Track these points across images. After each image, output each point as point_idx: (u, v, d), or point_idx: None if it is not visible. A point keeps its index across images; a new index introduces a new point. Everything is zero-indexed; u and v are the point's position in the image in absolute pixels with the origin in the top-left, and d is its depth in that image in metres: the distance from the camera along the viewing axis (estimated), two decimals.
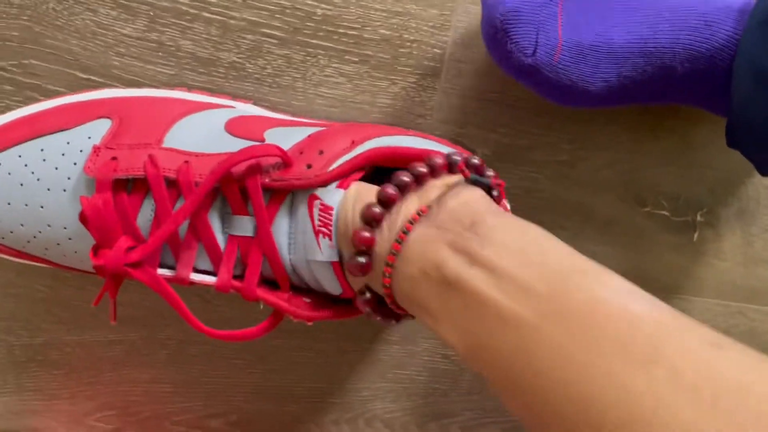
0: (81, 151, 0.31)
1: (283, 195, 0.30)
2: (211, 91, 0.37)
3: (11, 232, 0.32)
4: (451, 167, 0.30)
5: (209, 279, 0.31)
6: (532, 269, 0.24)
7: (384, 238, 0.28)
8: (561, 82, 0.36)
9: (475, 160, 0.31)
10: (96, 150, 0.31)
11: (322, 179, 0.29)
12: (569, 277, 0.24)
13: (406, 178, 0.28)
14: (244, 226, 0.30)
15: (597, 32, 0.36)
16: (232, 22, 0.37)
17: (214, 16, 0.36)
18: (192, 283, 0.31)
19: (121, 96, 0.34)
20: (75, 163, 0.31)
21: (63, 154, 0.31)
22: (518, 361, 0.23)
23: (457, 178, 0.29)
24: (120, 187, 0.30)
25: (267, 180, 0.30)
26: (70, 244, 0.32)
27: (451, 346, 0.26)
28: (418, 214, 0.27)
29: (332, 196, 0.29)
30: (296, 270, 0.31)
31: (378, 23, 0.38)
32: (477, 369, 0.25)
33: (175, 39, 0.36)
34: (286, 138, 0.32)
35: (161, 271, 0.31)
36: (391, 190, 0.28)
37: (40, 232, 0.32)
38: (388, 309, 0.30)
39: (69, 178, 0.31)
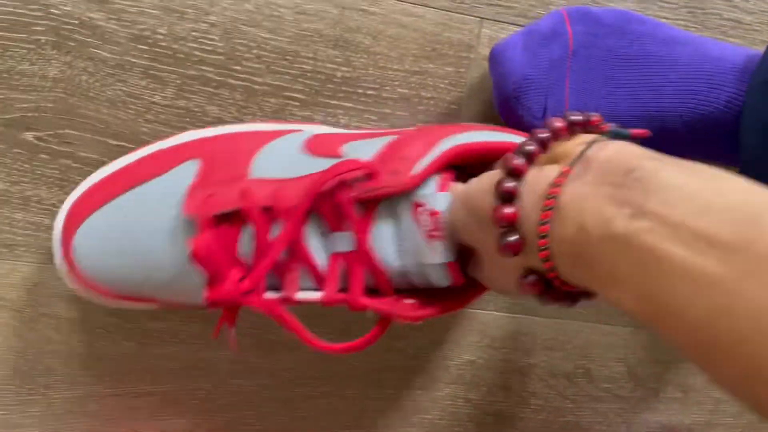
0: (177, 193, 0.33)
1: (375, 205, 0.31)
2: (280, 118, 0.39)
3: (125, 280, 0.34)
4: (571, 129, 0.27)
5: (315, 296, 0.32)
6: (713, 216, 0.20)
7: (526, 211, 0.25)
8: None
9: (594, 116, 0.28)
10: (192, 191, 0.33)
11: (411, 182, 0.30)
12: (761, 221, 0.20)
13: (530, 146, 0.26)
14: (344, 242, 0.31)
15: (602, 96, 0.37)
16: (256, 87, 0.38)
17: (239, 83, 0.38)
18: (299, 303, 0.32)
19: (201, 137, 0.35)
20: (172, 206, 0.33)
21: (161, 200, 0.33)
22: (718, 326, 0.20)
23: (592, 136, 0.26)
24: (219, 222, 0.32)
25: (356, 193, 0.31)
26: (180, 283, 0.33)
27: (629, 313, 0.23)
28: (562, 176, 0.24)
29: (437, 200, 0.30)
30: (406, 275, 0.32)
31: (396, 83, 0.39)
32: (664, 337, 0.22)
33: (202, 105, 0.38)
34: (362, 150, 0.33)
35: (269, 295, 0.32)
36: (517, 160, 0.26)
37: (151, 275, 0.33)
38: (557, 290, 0.27)
39: (168, 221, 0.33)
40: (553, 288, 0.26)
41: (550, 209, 0.24)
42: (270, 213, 0.32)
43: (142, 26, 0.36)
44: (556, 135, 0.27)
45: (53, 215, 0.38)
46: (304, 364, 0.43)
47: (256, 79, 0.38)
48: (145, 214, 0.33)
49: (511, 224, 0.25)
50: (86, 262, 0.33)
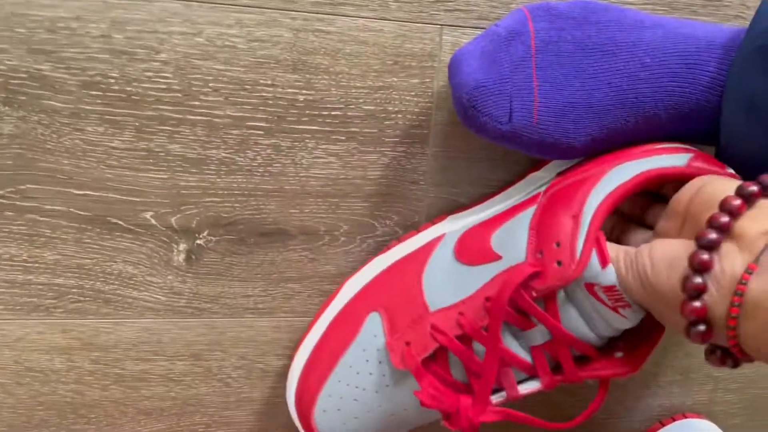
0: (377, 350, 0.36)
1: (554, 295, 0.33)
2: (398, 237, 0.41)
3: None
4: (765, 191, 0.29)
5: (535, 385, 0.34)
6: None
7: (714, 302, 0.27)
8: (544, 141, 0.36)
9: None
10: (390, 347, 0.36)
11: (577, 272, 0.31)
12: None
13: (712, 235, 0.28)
14: (539, 336, 0.34)
15: (576, 87, 0.36)
16: (217, 120, 0.37)
17: (199, 118, 0.37)
18: (523, 397, 0.35)
19: (366, 283, 0.39)
20: (380, 362, 0.36)
21: (367, 361, 0.36)
22: None
23: None
24: (427, 362, 0.35)
25: (534, 294, 0.33)
26: (418, 416, 0.37)
27: None
28: (748, 273, 0.26)
29: (606, 276, 0.31)
30: (601, 338, 0.34)
31: (361, 100, 0.38)
32: None
33: (164, 144, 0.37)
34: (510, 238, 0.35)
35: (497, 399, 0.35)
36: (703, 255, 0.27)
37: (392, 422, 0.37)
38: (734, 358, 0.30)
39: (384, 375, 0.36)
40: (731, 355, 0.30)
41: (738, 306, 0.26)
42: (464, 338, 0.34)
43: (92, 72, 0.35)
44: (748, 201, 0.28)
45: (26, 271, 0.37)
46: None
47: (216, 112, 0.37)
48: (362, 379, 0.37)
49: (700, 317, 0.28)
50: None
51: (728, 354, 0.30)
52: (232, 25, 0.36)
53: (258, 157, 0.38)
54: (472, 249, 0.36)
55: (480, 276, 0.35)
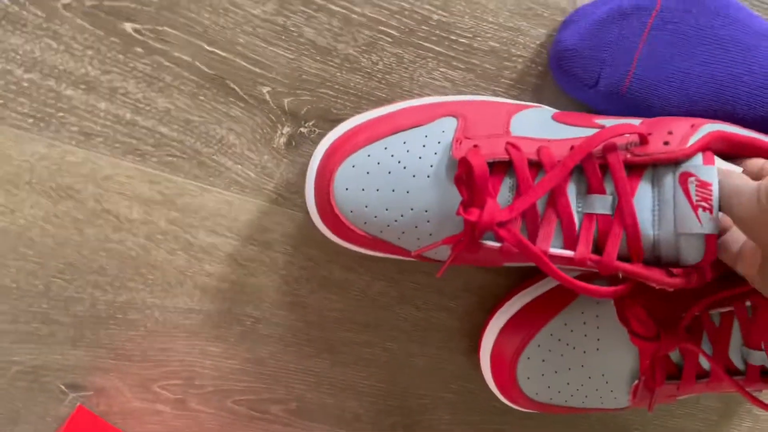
0: (439, 142, 0.35)
1: (641, 171, 0.32)
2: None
3: (375, 217, 0.35)
4: None
5: (568, 252, 0.33)
6: None
7: None
8: (628, 110, 0.38)
9: None
10: (458, 140, 0.34)
11: (686, 153, 0.31)
12: None
13: None
14: (603, 204, 0.33)
15: (678, 68, 0.38)
16: (353, 16, 0.39)
17: (338, 9, 0.38)
18: (550, 256, 0.33)
19: (454, 100, 0.38)
20: (435, 153, 0.35)
21: (424, 146, 0.35)
22: None
23: None
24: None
25: (629, 156, 0.32)
26: (428, 227, 0.35)
27: None
28: None
29: (707, 172, 0.31)
30: (658, 244, 0.32)
31: (489, 35, 0.40)
32: None
33: (299, 25, 0.38)
34: (617, 121, 0.35)
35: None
36: None
37: (402, 215, 0.35)
38: None
39: (431, 166, 0.35)
40: None
41: None
42: (535, 167, 0.33)
43: None
44: None
45: (135, 111, 0.38)
46: (353, 308, 0.42)
47: (354, 8, 0.38)
48: (410, 156, 0.35)
49: None
50: (345, 193, 0.35)
51: None
52: None
53: (380, 63, 0.39)
54: (573, 115, 0.36)
55: (575, 132, 0.35)
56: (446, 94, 0.40)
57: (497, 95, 0.41)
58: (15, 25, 0.36)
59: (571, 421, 0.46)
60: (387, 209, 0.35)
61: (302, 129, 0.40)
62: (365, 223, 0.35)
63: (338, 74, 0.39)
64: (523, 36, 0.40)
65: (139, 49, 0.37)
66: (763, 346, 0.37)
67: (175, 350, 0.41)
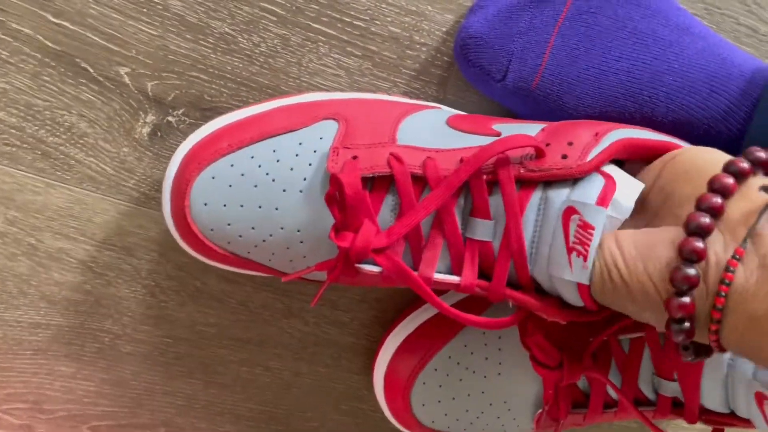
0: (314, 151, 0.31)
1: (533, 188, 0.29)
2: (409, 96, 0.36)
3: (240, 237, 0.30)
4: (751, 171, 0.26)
5: (453, 278, 0.29)
6: None
7: (700, 296, 0.24)
8: (538, 108, 0.35)
9: None
10: (335, 150, 0.30)
11: (582, 170, 0.28)
12: None
13: (704, 219, 0.24)
14: (484, 230, 0.29)
15: (592, 64, 0.34)
16: None
17: None
18: (435, 283, 0.29)
19: (337, 99, 0.33)
20: (310, 164, 0.30)
21: (297, 155, 0.30)
22: None
23: (764, 199, 0.25)
24: (362, 186, 0.29)
25: (522, 171, 0.28)
26: (300, 248, 0.31)
27: None
28: (735, 259, 0.24)
29: (594, 214, 0.27)
30: (534, 277, 0.29)
31: (389, 19, 0.35)
32: None
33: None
34: (517, 128, 0.31)
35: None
36: (697, 243, 0.24)
37: (271, 235, 0.30)
38: (707, 349, 0.27)
39: (305, 179, 0.30)
40: (705, 349, 0.27)
41: (725, 296, 0.24)
42: (420, 182, 0.29)
43: None
44: (738, 179, 0.25)
45: None
46: (230, 323, 0.37)
47: None
48: (280, 167, 0.30)
49: (688, 315, 0.24)
50: (204, 209, 0.30)
51: (701, 349, 0.27)
52: None
53: (263, 45, 0.34)
54: (469, 120, 0.32)
55: (468, 141, 0.31)
56: (338, 84, 0.35)
57: (396, 87, 0.36)
58: None
59: None
60: (253, 228, 0.30)
61: (169, 118, 0.34)
62: (229, 243, 0.30)
63: (212, 56, 0.34)
64: (428, 21, 0.36)
65: None
66: (675, 377, 0.34)
67: (18, 370, 0.35)
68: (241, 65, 0.34)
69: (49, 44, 0.32)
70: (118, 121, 0.34)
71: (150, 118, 0.34)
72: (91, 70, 0.33)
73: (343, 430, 0.40)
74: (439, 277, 0.29)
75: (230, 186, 0.30)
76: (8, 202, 0.33)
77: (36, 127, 0.33)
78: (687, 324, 0.25)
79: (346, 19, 0.35)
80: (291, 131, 0.31)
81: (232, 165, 0.30)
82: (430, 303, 0.29)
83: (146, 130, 0.34)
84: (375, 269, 0.29)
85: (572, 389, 0.36)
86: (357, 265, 0.29)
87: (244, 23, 0.34)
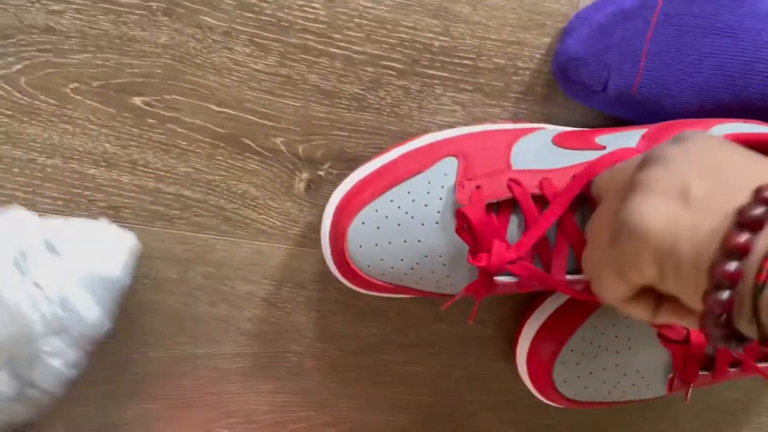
0: (442, 186, 0.36)
1: None
2: (513, 120, 0.41)
3: (392, 268, 0.36)
4: None
5: (580, 277, 0.34)
6: None
7: (750, 266, 0.23)
8: (640, 110, 0.38)
9: None
10: (460, 183, 0.35)
11: None
12: None
13: (758, 210, 0.23)
14: None
15: (687, 63, 0.37)
16: (355, 56, 0.38)
17: (339, 51, 0.38)
18: (567, 284, 0.35)
19: (452, 136, 0.38)
20: (440, 198, 0.36)
21: (428, 193, 0.36)
22: None
23: None
24: (488, 212, 0.35)
25: None
26: (443, 270, 0.36)
27: None
28: None
29: None
30: None
31: (492, 53, 0.39)
32: None
33: (303, 74, 0.38)
34: (621, 141, 0.36)
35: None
36: (743, 237, 0.23)
37: (417, 263, 0.36)
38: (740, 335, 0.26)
39: (438, 212, 0.36)
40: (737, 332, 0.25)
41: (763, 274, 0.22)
42: (539, 200, 0.34)
43: None
44: None
45: (158, 179, 0.39)
46: (391, 332, 0.43)
47: (354, 47, 0.38)
48: (416, 206, 0.36)
49: (733, 281, 0.23)
50: (359, 251, 0.36)
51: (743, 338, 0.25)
52: None
53: (388, 97, 0.39)
54: (573, 137, 0.37)
55: (576, 158, 0.35)
56: (456, 118, 0.40)
57: (506, 111, 0.40)
58: (30, 116, 0.37)
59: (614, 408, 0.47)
60: (402, 259, 0.36)
61: (319, 172, 0.40)
62: (383, 274, 0.36)
63: (347, 114, 0.39)
64: (528, 48, 0.40)
65: (151, 120, 0.38)
66: None
67: (230, 392, 0.43)
68: (371, 118, 0.40)
69: (217, 129, 0.39)
70: (279, 182, 0.40)
71: (304, 175, 0.40)
72: (253, 144, 0.39)
73: (496, 409, 0.46)
74: (571, 277, 0.34)
75: (378, 228, 0.36)
76: (203, 261, 0.41)
77: (216, 198, 0.40)
78: (727, 294, 0.23)
79: (456, 61, 0.39)
80: (419, 173, 0.36)
81: (376, 210, 0.36)
82: (569, 294, 0.34)
83: (302, 185, 0.40)
84: (511, 279, 0.35)
85: (699, 355, 0.40)
86: (495, 278, 0.35)
87: (369, 82, 0.39)
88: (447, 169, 0.36)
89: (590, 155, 0.35)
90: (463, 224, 0.34)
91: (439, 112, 0.40)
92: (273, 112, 0.39)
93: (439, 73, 0.39)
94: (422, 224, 0.36)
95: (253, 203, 0.40)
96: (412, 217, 0.36)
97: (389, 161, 0.37)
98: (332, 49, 0.38)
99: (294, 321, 0.43)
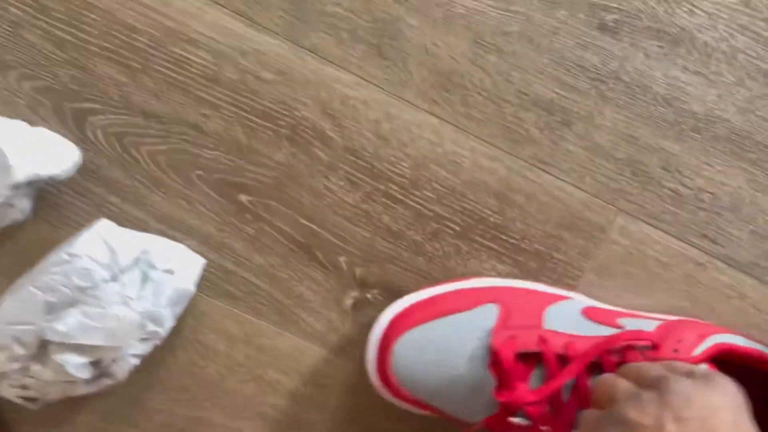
0: (482, 328, 0.42)
1: None
2: (546, 282, 0.47)
3: (425, 386, 0.42)
4: None
5: None
6: None
7: None
8: None
9: None
10: (498, 330, 0.42)
11: (690, 361, 0.38)
12: None
13: None
14: None
15: None
16: (425, 211, 0.47)
17: (413, 204, 0.47)
18: None
19: (493, 285, 0.45)
20: (478, 338, 0.42)
21: (469, 331, 0.42)
22: None
23: None
24: (517, 358, 0.41)
25: (643, 358, 0.39)
26: (469, 401, 0.42)
27: None
28: None
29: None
30: None
31: (535, 240, 0.47)
32: None
33: (379, 213, 0.47)
34: (637, 323, 0.42)
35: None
36: None
37: (447, 387, 0.42)
38: None
39: (473, 349, 0.42)
40: None
41: None
42: (562, 360, 0.40)
43: (356, 141, 0.46)
44: None
45: (236, 264, 0.46)
46: None
47: (426, 205, 0.47)
48: (456, 340, 0.42)
49: None
50: (401, 367, 0.42)
51: None
52: (467, 148, 0.46)
53: (441, 251, 0.47)
54: (599, 313, 0.43)
55: (598, 330, 0.41)
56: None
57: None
58: (157, 186, 0.46)
59: None
60: (435, 381, 0.42)
61: (367, 295, 0.47)
62: (416, 390, 0.42)
63: (405, 254, 0.47)
64: (565, 244, 0.47)
65: (248, 216, 0.46)
66: None
67: None
68: (423, 263, 0.47)
69: (297, 237, 0.47)
70: (332, 293, 0.47)
71: (354, 294, 0.47)
72: (321, 257, 0.47)
73: None
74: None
75: (420, 349, 0.42)
76: (249, 343, 0.47)
77: (278, 292, 0.47)
78: None
79: (504, 238, 0.47)
80: (463, 312, 0.43)
81: (422, 333, 0.42)
82: None
83: (350, 302, 0.47)
84: (524, 422, 0.40)
85: None
86: (510, 419, 0.40)
87: (430, 234, 0.47)
88: (487, 314, 0.43)
89: (610, 331, 0.42)
90: (495, 362, 0.40)
91: (479, 275, 0.47)
92: (346, 236, 0.47)
93: (488, 243, 0.47)
94: (459, 356, 0.42)
95: (306, 305, 0.47)
96: (451, 349, 0.42)
97: (439, 293, 0.44)
98: (408, 201, 0.47)
99: (307, 419, 0.48)
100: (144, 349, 0.43)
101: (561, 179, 0.47)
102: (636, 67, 0.46)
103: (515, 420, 0.40)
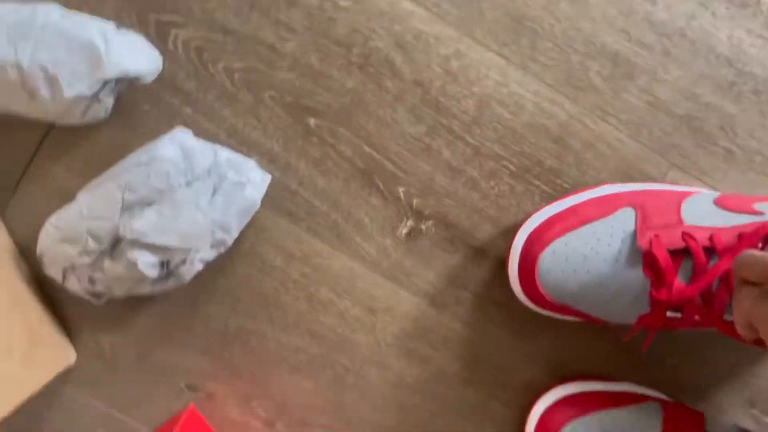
0: (625, 231, 0.44)
1: None
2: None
3: (573, 294, 0.44)
4: None
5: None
6: None
7: None
8: None
9: None
10: (641, 231, 0.43)
11: None
12: None
13: None
14: None
15: None
16: (483, 149, 0.48)
17: (473, 141, 0.48)
18: (723, 322, 0.41)
19: (626, 190, 0.46)
20: (621, 240, 0.43)
21: (611, 235, 0.44)
22: None
23: None
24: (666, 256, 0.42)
25: None
26: (618, 302, 0.43)
27: None
28: None
29: None
30: None
31: (588, 186, 0.49)
32: None
33: (440, 148, 0.48)
34: None
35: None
36: None
37: (596, 293, 0.43)
38: None
39: (619, 251, 0.43)
40: None
41: None
42: (708, 252, 0.42)
43: (425, 75, 0.47)
44: None
45: (300, 184, 0.48)
46: (426, 380, 0.50)
47: (486, 143, 0.48)
48: (599, 245, 0.44)
49: None
50: (547, 276, 0.44)
51: None
52: (530, 91, 0.48)
53: (496, 188, 0.49)
54: (734, 200, 0.44)
55: (737, 220, 0.42)
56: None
57: None
58: (229, 101, 0.47)
59: None
60: (583, 287, 0.43)
61: (422, 226, 0.49)
62: (563, 297, 0.44)
63: (461, 190, 0.49)
64: None
65: (314, 138, 0.48)
66: None
67: (277, 377, 0.50)
68: (478, 199, 0.49)
69: (359, 164, 0.48)
70: (388, 221, 0.49)
71: (409, 223, 0.49)
72: (381, 185, 0.48)
73: None
74: (728, 318, 0.41)
75: (566, 258, 0.44)
76: (305, 261, 0.49)
77: (337, 215, 0.49)
78: None
79: (558, 182, 0.49)
80: (602, 218, 0.45)
81: (566, 243, 0.44)
82: (725, 333, 0.41)
83: (404, 231, 0.49)
84: (676, 315, 0.42)
85: None
86: (668, 313, 0.42)
87: (487, 172, 0.49)
88: (626, 217, 0.44)
89: (749, 218, 0.43)
90: (649, 263, 0.42)
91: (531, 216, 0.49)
92: (406, 167, 0.48)
93: (542, 186, 0.49)
94: (604, 260, 0.43)
95: (363, 231, 0.49)
96: (597, 253, 0.43)
97: (576, 204, 0.46)
98: (469, 138, 0.48)
99: (355, 339, 0.50)
100: (211, 254, 0.45)
101: (619, 129, 0.48)
102: (702, 26, 0.47)
103: (669, 314, 0.42)
